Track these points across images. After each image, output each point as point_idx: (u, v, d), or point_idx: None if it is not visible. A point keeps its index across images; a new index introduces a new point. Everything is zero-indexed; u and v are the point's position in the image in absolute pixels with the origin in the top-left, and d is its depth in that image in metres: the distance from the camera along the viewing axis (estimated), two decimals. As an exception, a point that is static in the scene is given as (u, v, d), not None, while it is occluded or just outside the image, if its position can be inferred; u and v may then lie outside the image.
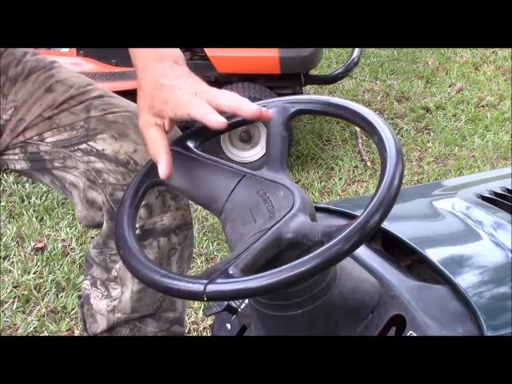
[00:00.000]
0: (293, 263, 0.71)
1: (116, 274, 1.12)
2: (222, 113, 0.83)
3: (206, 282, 0.74)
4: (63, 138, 1.07)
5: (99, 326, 1.17)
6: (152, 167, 0.92)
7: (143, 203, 1.04)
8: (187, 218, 1.13)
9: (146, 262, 0.80)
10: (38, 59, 1.12)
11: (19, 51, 1.11)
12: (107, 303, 1.15)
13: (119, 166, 1.05)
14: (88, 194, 1.08)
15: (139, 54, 0.92)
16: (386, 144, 0.79)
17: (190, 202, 1.09)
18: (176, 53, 0.92)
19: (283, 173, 0.87)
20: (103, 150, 1.05)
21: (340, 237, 0.72)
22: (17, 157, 1.10)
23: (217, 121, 0.81)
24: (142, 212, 1.05)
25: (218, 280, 0.74)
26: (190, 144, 0.92)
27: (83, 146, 1.06)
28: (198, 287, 0.74)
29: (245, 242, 0.79)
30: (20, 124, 1.07)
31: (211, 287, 0.73)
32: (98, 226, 1.13)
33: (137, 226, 1.03)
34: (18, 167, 1.11)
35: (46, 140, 1.07)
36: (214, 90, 0.86)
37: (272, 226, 0.79)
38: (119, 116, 1.07)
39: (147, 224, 1.07)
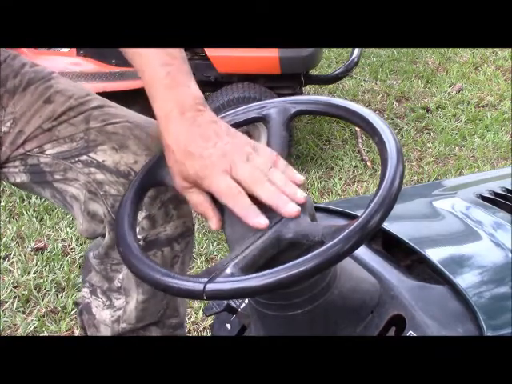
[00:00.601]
0: (292, 263, 0.71)
1: (119, 284, 1.11)
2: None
3: (205, 280, 0.74)
4: (63, 150, 1.06)
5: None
6: (152, 167, 0.92)
7: (146, 214, 1.03)
8: (189, 224, 1.12)
9: (146, 261, 0.80)
10: (37, 70, 1.10)
11: (17, 63, 1.10)
12: (111, 313, 1.13)
13: (120, 177, 1.04)
14: (89, 207, 1.07)
15: (157, 99, 0.88)
16: (386, 144, 0.79)
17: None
18: (196, 96, 0.87)
19: (283, 173, 0.87)
20: (104, 161, 1.04)
21: (340, 237, 0.72)
22: (17, 169, 1.09)
23: (258, 223, 0.79)
24: (144, 223, 1.05)
25: (218, 279, 0.74)
26: None
27: (83, 157, 1.05)
28: (197, 286, 0.74)
29: (245, 242, 0.79)
30: (19, 136, 1.06)
31: (211, 286, 0.73)
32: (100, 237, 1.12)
33: (140, 237, 1.03)
34: (18, 180, 1.10)
35: (46, 152, 1.06)
36: (252, 170, 0.81)
37: (272, 226, 0.79)
38: (119, 127, 1.06)
39: (150, 235, 1.06)
